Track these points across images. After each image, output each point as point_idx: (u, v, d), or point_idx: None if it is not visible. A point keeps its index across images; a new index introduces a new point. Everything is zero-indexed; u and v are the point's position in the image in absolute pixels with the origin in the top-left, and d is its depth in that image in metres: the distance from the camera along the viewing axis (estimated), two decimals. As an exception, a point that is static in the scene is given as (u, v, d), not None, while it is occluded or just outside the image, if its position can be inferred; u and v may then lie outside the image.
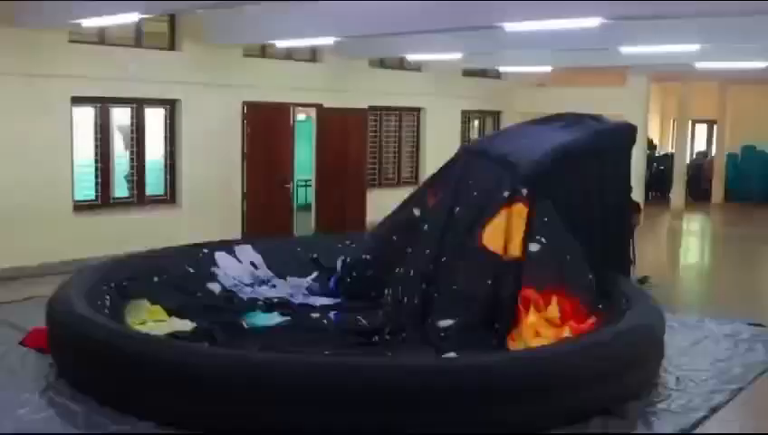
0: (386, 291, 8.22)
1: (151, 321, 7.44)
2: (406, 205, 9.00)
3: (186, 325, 7.45)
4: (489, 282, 7.36)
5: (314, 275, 9.40)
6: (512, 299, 7.28)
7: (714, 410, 6.19)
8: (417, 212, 8.67)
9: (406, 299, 7.84)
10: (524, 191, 7.73)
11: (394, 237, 8.62)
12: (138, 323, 7.37)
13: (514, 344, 7.04)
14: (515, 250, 7.43)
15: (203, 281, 8.81)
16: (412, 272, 7.94)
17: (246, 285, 8.93)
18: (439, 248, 7.83)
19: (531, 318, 7.11)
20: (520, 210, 7.64)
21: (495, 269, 7.42)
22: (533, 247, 7.44)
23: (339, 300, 8.76)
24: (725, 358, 7.50)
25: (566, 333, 6.89)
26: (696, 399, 6.37)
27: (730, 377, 6.96)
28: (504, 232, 7.55)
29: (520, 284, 7.30)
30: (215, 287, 8.78)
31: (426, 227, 8.21)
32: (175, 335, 7.00)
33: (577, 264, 7.50)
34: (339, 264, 9.17)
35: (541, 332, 7.00)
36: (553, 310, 7.09)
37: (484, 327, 7.24)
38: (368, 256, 8.85)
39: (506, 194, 7.75)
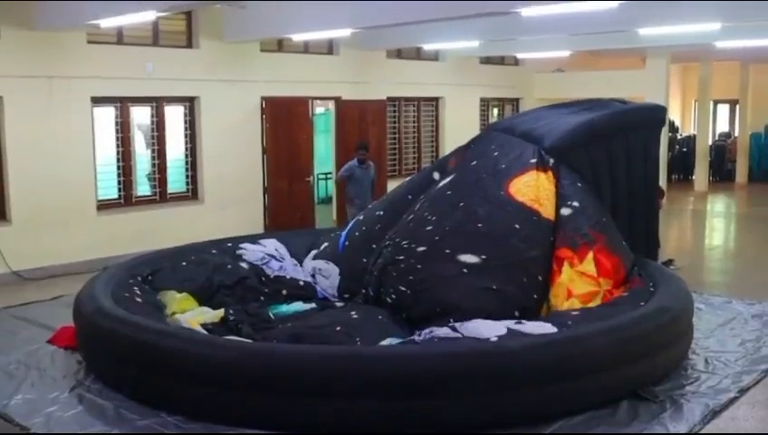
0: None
1: (180, 312, 7.43)
2: (426, 170, 9.12)
3: (214, 315, 7.41)
4: (516, 226, 7.32)
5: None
6: (545, 257, 7.27)
7: (743, 391, 6.16)
8: (436, 176, 8.71)
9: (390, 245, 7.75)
10: (551, 161, 7.78)
11: (409, 196, 8.58)
12: (168, 314, 7.39)
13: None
14: (548, 215, 7.46)
15: (229, 262, 8.78)
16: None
17: (274, 258, 8.89)
18: (459, 197, 7.76)
19: (563, 276, 7.12)
20: (550, 177, 7.71)
21: (522, 215, 7.40)
22: (566, 211, 7.51)
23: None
24: (754, 338, 7.46)
25: (603, 288, 6.95)
26: (726, 380, 6.35)
27: (759, 357, 6.92)
28: (535, 189, 7.58)
29: (553, 244, 7.31)
30: (243, 265, 8.73)
31: (440, 184, 8.24)
32: (202, 326, 7.02)
33: (612, 228, 7.55)
34: (351, 222, 9.18)
35: (573, 290, 6.99)
36: (589, 264, 7.12)
37: (510, 284, 7.07)
38: (380, 212, 8.79)
39: (533, 161, 7.81)
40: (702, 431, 5.45)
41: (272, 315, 7.65)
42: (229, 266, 8.46)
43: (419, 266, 7.23)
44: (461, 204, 7.65)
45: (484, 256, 7.12)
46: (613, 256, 7.29)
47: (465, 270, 7.08)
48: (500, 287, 6.93)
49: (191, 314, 7.25)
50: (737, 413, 5.78)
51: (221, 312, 7.46)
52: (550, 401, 5.50)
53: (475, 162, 8.22)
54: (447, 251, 7.24)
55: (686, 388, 6.16)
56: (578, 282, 7.06)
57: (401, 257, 7.39)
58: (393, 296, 7.26)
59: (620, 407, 5.69)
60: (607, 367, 5.75)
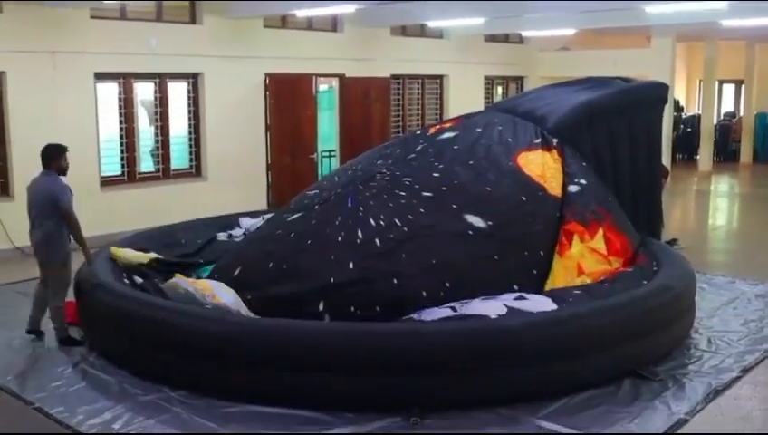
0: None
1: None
2: None
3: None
4: (523, 199, 7.23)
5: None
6: (547, 233, 7.18)
7: (745, 370, 6.18)
8: (417, 132, 8.74)
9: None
10: (555, 141, 7.77)
11: (388, 151, 8.30)
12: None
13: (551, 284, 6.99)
14: (553, 192, 7.42)
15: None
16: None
17: None
18: (467, 154, 7.62)
19: (573, 249, 7.06)
20: (554, 156, 7.68)
21: (529, 189, 7.34)
22: (574, 188, 7.47)
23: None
24: (757, 318, 7.46)
25: (614, 266, 6.96)
26: (728, 360, 6.36)
27: (762, 337, 6.93)
28: (540, 166, 7.53)
29: (560, 220, 7.25)
30: (236, 232, 8.87)
31: (444, 135, 8.08)
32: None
33: (618, 207, 7.60)
34: None
35: (584, 267, 6.95)
36: (599, 242, 7.11)
37: (512, 256, 6.92)
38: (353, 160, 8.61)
39: (538, 141, 7.79)
40: (704, 410, 5.45)
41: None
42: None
43: (422, 211, 6.89)
44: (470, 162, 7.47)
45: (490, 223, 6.91)
46: (621, 234, 7.29)
47: (470, 232, 6.83)
48: (501, 258, 6.80)
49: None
50: (740, 393, 5.79)
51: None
52: (551, 379, 5.52)
53: (479, 129, 8.02)
54: (454, 206, 6.99)
55: (688, 367, 6.18)
56: (588, 258, 7.02)
57: (402, 193, 7.07)
58: (381, 223, 6.74)
59: (623, 385, 5.71)
60: (609, 345, 5.75)
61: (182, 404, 5.44)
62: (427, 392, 5.30)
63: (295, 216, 7.08)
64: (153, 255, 7.59)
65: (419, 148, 7.79)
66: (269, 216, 8.67)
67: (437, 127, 8.50)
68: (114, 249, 7.48)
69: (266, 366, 5.42)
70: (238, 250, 7.34)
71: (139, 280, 7.02)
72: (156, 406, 5.44)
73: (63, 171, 6.85)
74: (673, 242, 10.14)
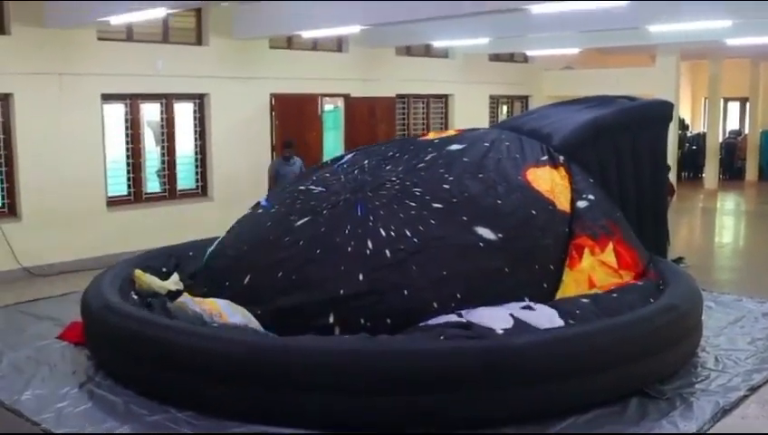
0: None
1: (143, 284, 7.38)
2: None
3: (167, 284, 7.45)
4: (533, 212, 7.18)
5: None
6: (557, 248, 7.14)
7: (753, 389, 6.14)
8: (417, 139, 8.72)
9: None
10: (561, 158, 7.78)
11: (396, 154, 8.20)
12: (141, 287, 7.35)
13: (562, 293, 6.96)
14: (562, 207, 7.41)
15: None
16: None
17: None
18: (477, 167, 7.57)
19: (584, 262, 7.03)
20: (562, 173, 7.71)
21: (539, 204, 7.29)
22: (582, 204, 7.47)
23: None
24: (764, 337, 7.43)
25: (625, 280, 6.94)
26: (736, 379, 6.32)
27: (769, 356, 6.90)
28: (549, 182, 7.53)
29: (569, 234, 7.23)
30: None
31: (452, 147, 8.01)
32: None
33: (626, 223, 7.61)
34: None
35: (595, 281, 6.93)
36: (609, 255, 7.12)
37: (522, 269, 6.85)
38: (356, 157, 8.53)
39: (545, 158, 7.80)
40: (712, 430, 5.43)
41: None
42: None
43: (433, 222, 6.82)
44: (480, 175, 7.42)
45: (500, 235, 6.83)
46: (631, 248, 7.31)
47: (481, 244, 6.75)
48: (512, 271, 6.72)
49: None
50: (747, 412, 5.76)
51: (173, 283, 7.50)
52: (558, 398, 5.50)
53: (487, 144, 7.99)
54: (465, 218, 6.90)
55: (696, 386, 6.15)
56: (599, 271, 7.02)
57: (413, 204, 7.00)
58: (391, 233, 6.67)
59: (630, 405, 5.68)
60: (615, 364, 5.74)
61: (189, 425, 5.42)
62: (431, 413, 5.27)
63: (303, 220, 7.04)
64: (174, 284, 7.51)
65: (429, 157, 7.75)
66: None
67: (437, 133, 8.56)
68: (139, 273, 7.42)
69: (272, 386, 5.40)
70: (244, 254, 7.22)
71: (148, 299, 7.02)
72: (163, 426, 5.42)
73: (284, 157, 11.56)
74: (679, 260, 10.11)
